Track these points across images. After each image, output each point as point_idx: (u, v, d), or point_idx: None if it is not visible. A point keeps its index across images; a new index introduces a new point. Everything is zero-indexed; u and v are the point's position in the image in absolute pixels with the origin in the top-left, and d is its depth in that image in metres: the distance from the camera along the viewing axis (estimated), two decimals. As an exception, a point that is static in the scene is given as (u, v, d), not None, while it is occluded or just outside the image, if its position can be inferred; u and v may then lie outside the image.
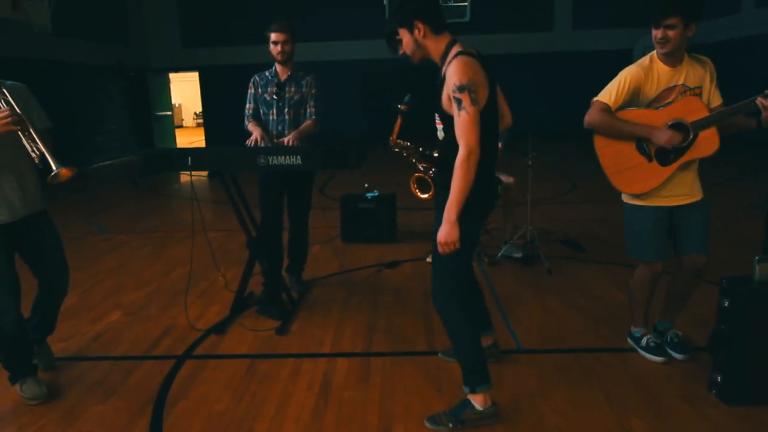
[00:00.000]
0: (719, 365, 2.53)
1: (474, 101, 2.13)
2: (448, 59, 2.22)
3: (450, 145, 2.24)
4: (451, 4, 13.85)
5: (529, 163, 4.48)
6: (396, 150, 2.71)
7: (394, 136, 2.69)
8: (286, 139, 3.57)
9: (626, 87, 2.67)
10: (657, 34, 2.59)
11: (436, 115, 2.34)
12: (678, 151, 2.66)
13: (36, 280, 2.80)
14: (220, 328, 3.45)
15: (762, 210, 3.95)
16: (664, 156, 2.69)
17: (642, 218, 2.79)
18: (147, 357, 3.15)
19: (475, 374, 2.38)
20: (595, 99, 2.74)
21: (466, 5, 13.86)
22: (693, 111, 2.60)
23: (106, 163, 12.55)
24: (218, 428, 2.45)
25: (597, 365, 2.88)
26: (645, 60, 2.70)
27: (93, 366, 3.06)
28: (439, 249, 2.23)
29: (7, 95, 2.46)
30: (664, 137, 2.59)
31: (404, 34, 2.27)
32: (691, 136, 2.61)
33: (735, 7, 12.15)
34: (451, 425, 2.36)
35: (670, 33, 2.55)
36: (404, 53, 2.34)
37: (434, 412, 2.44)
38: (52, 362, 3.04)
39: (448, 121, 2.24)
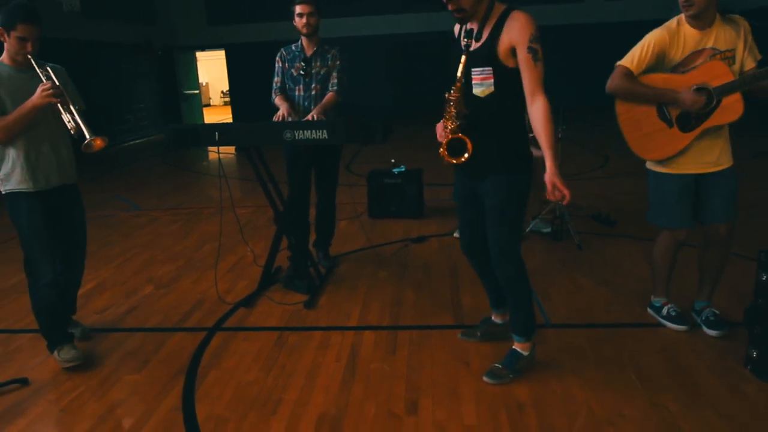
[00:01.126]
0: (755, 340, 2.47)
1: (543, 52, 2.22)
2: (495, 14, 2.26)
3: (501, 96, 2.28)
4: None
5: (559, 136, 4.39)
6: (453, 98, 2.30)
7: (460, 81, 2.28)
8: (309, 116, 3.55)
9: (649, 51, 2.59)
10: None
11: (476, 70, 2.29)
12: (700, 117, 2.58)
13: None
14: (248, 301, 3.50)
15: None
16: (686, 122, 2.60)
17: (666, 185, 2.72)
18: (179, 329, 3.22)
19: (531, 325, 2.57)
20: (618, 63, 2.68)
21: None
22: (717, 76, 2.51)
23: (137, 141, 12.74)
24: (248, 398, 2.50)
25: (627, 340, 2.84)
26: (672, 22, 2.60)
27: (127, 337, 3.14)
28: (555, 191, 2.20)
29: (50, 72, 2.66)
30: (688, 100, 2.51)
31: None
32: (714, 102, 2.52)
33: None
34: (511, 375, 2.52)
35: None
36: (456, 7, 2.23)
37: (490, 368, 2.55)
38: (87, 333, 3.13)
39: (506, 73, 2.26)
